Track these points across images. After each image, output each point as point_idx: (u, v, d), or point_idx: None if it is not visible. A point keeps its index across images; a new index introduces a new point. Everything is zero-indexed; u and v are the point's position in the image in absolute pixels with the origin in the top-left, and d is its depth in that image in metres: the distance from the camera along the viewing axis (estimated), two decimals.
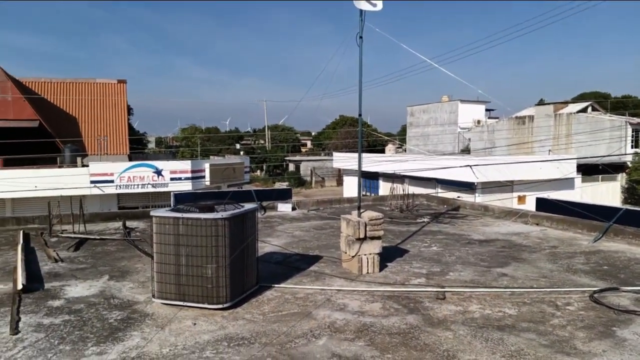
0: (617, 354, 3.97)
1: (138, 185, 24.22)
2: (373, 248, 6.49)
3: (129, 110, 42.93)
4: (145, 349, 4.11)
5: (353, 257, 6.47)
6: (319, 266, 6.82)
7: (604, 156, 24.17)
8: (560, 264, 6.83)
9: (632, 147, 32.36)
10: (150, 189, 24.77)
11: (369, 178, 35.55)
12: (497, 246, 7.99)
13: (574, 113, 35.14)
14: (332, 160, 41.60)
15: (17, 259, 6.70)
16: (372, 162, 31.57)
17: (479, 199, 24.27)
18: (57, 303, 5.25)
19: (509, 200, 24.51)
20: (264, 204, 11.94)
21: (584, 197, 27.58)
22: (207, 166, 26.60)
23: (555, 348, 4.09)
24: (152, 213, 5.29)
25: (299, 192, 50.83)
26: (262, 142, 72.84)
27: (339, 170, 47.95)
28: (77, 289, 5.75)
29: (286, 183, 56.71)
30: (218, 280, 5.04)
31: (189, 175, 25.32)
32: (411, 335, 4.39)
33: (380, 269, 6.54)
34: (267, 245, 8.13)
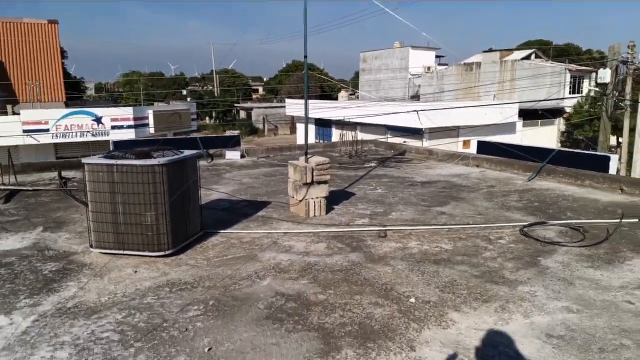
0: (540, 280, 4.28)
1: (77, 133, 23.03)
2: (320, 192, 6.54)
3: (63, 54, 39.95)
4: (83, 298, 4.02)
5: (301, 201, 6.50)
6: (267, 211, 6.82)
7: (542, 100, 25.20)
8: (496, 202, 7.18)
9: (570, 93, 33.81)
10: (91, 138, 23.64)
11: (322, 125, 35.44)
12: (438, 187, 8.27)
13: (519, 60, 36.03)
14: (284, 107, 41.01)
15: None
16: (323, 109, 31.39)
17: (426, 144, 24.86)
18: None
19: (455, 145, 25.28)
20: (211, 151, 11.68)
21: (525, 141, 28.86)
22: (150, 113, 25.57)
23: (485, 278, 4.35)
24: (83, 161, 5.04)
25: (251, 140, 50.12)
26: (211, 87, 70.37)
27: (292, 117, 47.42)
28: (9, 242, 5.48)
29: (238, 131, 55.73)
30: (159, 228, 4.94)
31: (132, 123, 24.28)
32: (353, 271, 4.53)
33: (327, 212, 6.63)
34: (215, 193, 8.01)
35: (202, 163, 11.05)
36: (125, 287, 4.27)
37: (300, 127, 38.68)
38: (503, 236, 5.57)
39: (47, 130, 22.41)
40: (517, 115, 27.56)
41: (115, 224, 4.98)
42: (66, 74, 37.68)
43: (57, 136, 22.59)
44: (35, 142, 22.23)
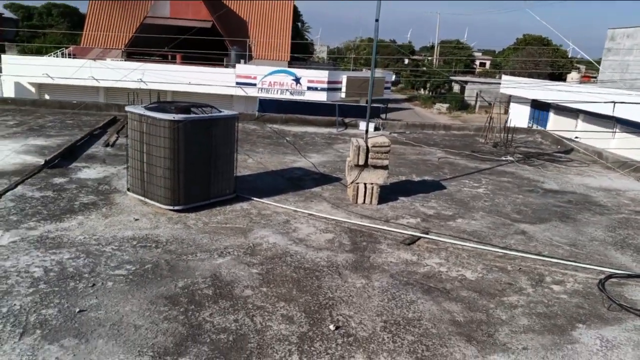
0: (540, 357, 2.88)
1: (278, 90, 25.31)
2: (376, 178, 5.71)
3: (298, 17, 44.06)
4: (68, 232, 4.37)
5: (351, 184, 5.81)
6: (324, 188, 6.31)
7: None
8: (617, 234, 5.13)
9: None
10: (288, 96, 25.68)
11: (539, 108, 31.58)
12: (560, 200, 6.33)
13: None
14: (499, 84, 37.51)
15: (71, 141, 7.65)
16: (541, 90, 27.58)
17: None
18: (59, 180, 5.86)
19: None
20: (347, 120, 11.39)
21: None
22: (344, 78, 26.34)
23: (463, 329, 3.15)
24: (126, 108, 5.39)
25: (458, 116, 47.66)
26: (430, 58, 68.72)
27: (509, 96, 43.04)
28: (89, 172, 6.32)
29: (446, 105, 53.52)
30: (172, 183, 5.02)
31: (325, 85, 25.41)
32: (317, 275, 3.83)
33: (382, 202, 5.77)
34: (302, 160, 7.80)
35: (331, 130, 10.88)
36: (111, 231, 4.49)
37: (514, 107, 34.87)
38: (566, 281, 3.95)
39: (254, 85, 25.22)
40: None
41: (141, 172, 5.26)
42: (300, 36, 41.55)
43: (261, 90, 25.25)
44: (244, 94, 25.34)
